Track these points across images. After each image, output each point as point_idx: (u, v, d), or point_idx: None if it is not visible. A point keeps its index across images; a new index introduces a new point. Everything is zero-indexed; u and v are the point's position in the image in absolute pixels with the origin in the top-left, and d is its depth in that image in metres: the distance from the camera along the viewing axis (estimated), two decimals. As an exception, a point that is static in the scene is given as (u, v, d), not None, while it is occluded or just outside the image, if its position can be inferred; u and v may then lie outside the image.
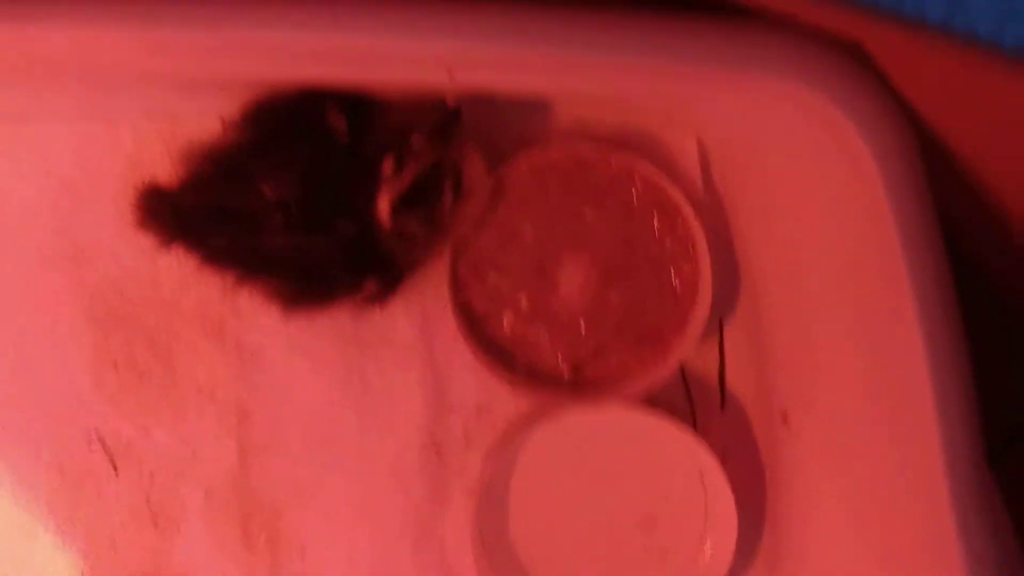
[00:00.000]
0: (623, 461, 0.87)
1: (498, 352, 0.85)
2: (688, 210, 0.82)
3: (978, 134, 0.66)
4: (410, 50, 0.66)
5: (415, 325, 0.85)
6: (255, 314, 0.84)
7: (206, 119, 0.80)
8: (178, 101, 0.81)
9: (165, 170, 0.79)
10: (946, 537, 0.67)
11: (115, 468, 0.85)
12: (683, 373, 0.87)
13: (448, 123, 0.75)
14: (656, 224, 0.84)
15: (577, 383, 0.85)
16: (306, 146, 0.74)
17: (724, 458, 0.85)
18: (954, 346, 0.68)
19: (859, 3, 0.49)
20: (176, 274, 0.83)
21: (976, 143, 0.67)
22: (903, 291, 0.67)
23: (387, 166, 0.74)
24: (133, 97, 0.81)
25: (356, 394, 0.85)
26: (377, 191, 0.74)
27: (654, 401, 0.86)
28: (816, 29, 0.65)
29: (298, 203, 0.73)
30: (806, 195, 0.76)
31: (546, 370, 0.85)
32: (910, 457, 0.70)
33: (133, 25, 0.64)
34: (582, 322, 0.85)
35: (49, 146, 0.82)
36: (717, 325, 0.87)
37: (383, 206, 0.74)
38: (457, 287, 0.84)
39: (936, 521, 0.68)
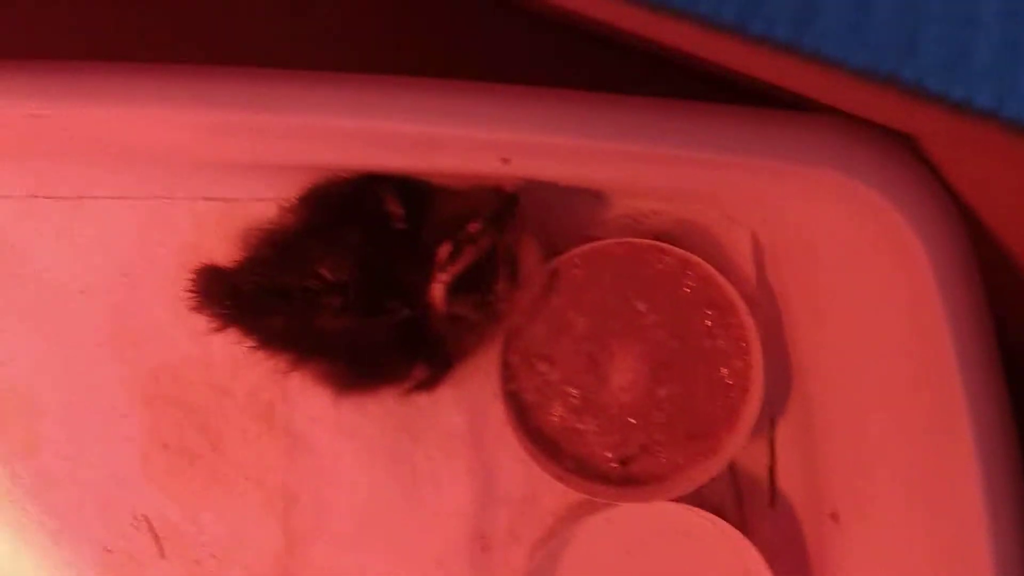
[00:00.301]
0: (670, 558, 0.86)
1: (546, 444, 0.84)
2: (741, 306, 0.82)
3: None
4: (466, 138, 0.67)
5: (464, 414, 0.85)
6: (304, 399, 0.84)
7: (263, 202, 0.82)
8: (236, 183, 0.83)
9: (222, 251, 0.80)
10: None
11: (161, 552, 0.85)
12: (732, 470, 0.86)
13: (505, 210, 0.75)
14: (708, 319, 0.84)
15: (625, 478, 0.85)
16: (363, 229, 0.75)
17: (772, 557, 0.84)
18: (1006, 445, 0.67)
19: (909, 92, 0.49)
20: (228, 358, 0.84)
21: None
22: (954, 387, 0.66)
23: (443, 252, 0.74)
24: (192, 178, 0.83)
25: (403, 482, 0.85)
26: (432, 276, 0.75)
27: (702, 497, 0.85)
28: (868, 120, 0.65)
29: (355, 285, 0.73)
30: (858, 290, 0.76)
31: (594, 464, 0.85)
32: (959, 564, 0.69)
33: (194, 107, 0.65)
34: (632, 416, 0.84)
35: (107, 225, 0.84)
36: (768, 422, 0.87)
37: (438, 291, 0.74)
38: (507, 376, 0.84)
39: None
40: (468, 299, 0.75)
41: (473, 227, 0.74)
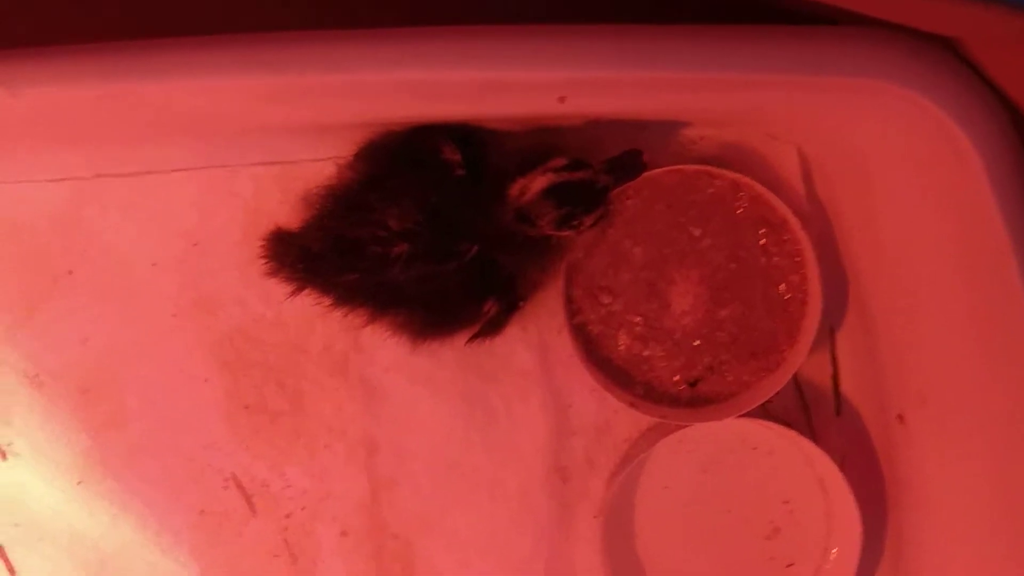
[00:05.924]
0: (744, 473, 0.89)
1: (615, 373, 0.86)
2: (793, 221, 0.84)
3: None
4: (527, 81, 0.68)
5: (533, 351, 0.87)
6: (377, 349, 0.86)
7: (321, 162, 0.84)
8: (293, 146, 0.84)
9: (284, 213, 0.82)
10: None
11: (252, 509, 0.87)
12: (797, 382, 0.88)
13: (629, 162, 0.77)
14: (762, 238, 0.85)
15: (694, 399, 0.87)
16: (423, 177, 0.76)
17: (843, 464, 0.86)
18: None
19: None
20: (299, 316, 0.86)
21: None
22: (1011, 278, 0.68)
23: (558, 161, 0.75)
24: (249, 144, 0.84)
25: (480, 422, 0.87)
26: (535, 171, 0.75)
27: (770, 411, 0.87)
28: (907, 27, 0.66)
29: (421, 232, 0.75)
30: (907, 194, 0.77)
31: (663, 388, 0.87)
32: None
33: (254, 73, 0.66)
34: (696, 339, 0.86)
35: (171, 197, 0.85)
36: (828, 333, 0.89)
37: (536, 183, 0.75)
38: (572, 311, 0.85)
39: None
40: (555, 210, 0.75)
41: (597, 162, 0.76)
